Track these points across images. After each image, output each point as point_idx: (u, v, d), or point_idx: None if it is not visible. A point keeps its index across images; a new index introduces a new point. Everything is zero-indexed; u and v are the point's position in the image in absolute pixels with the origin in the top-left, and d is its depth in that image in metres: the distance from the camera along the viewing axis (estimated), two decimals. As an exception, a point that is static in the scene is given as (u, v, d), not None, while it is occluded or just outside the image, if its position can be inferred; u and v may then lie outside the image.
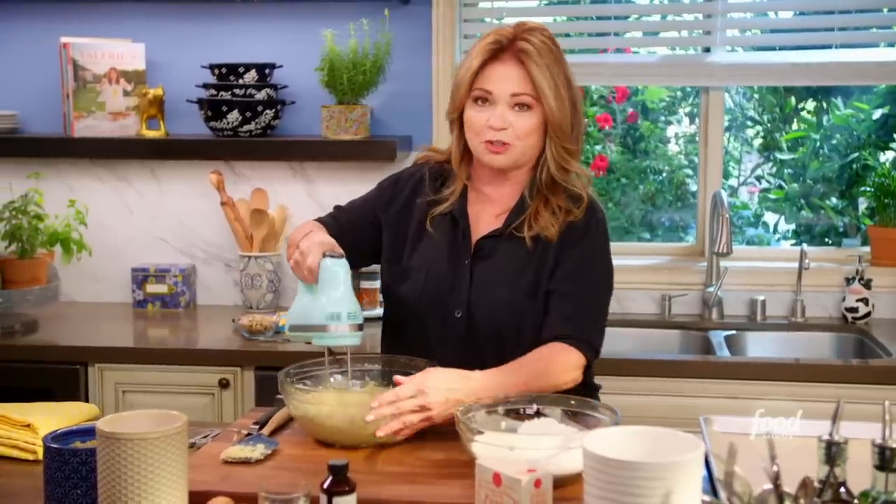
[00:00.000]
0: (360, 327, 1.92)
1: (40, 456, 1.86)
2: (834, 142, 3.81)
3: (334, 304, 1.90)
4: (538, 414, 1.79)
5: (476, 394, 1.84)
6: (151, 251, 3.58)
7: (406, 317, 2.07)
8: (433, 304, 2.07)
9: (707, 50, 3.48)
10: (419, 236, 2.14)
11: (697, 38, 3.54)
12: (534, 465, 1.51)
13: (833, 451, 1.21)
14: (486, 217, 2.12)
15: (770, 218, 4.08)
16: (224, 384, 2.94)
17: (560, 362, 1.97)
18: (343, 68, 3.23)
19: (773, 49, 3.51)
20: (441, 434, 1.88)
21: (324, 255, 1.92)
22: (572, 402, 1.79)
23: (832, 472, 1.15)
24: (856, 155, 3.68)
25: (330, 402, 1.86)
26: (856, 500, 1.21)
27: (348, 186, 3.46)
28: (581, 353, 2.01)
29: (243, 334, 3.08)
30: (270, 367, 2.95)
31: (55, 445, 1.62)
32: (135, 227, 3.58)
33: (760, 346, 3.27)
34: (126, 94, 3.45)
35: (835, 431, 1.22)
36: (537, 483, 1.45)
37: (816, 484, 1.19)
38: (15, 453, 1.89)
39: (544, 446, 1.60)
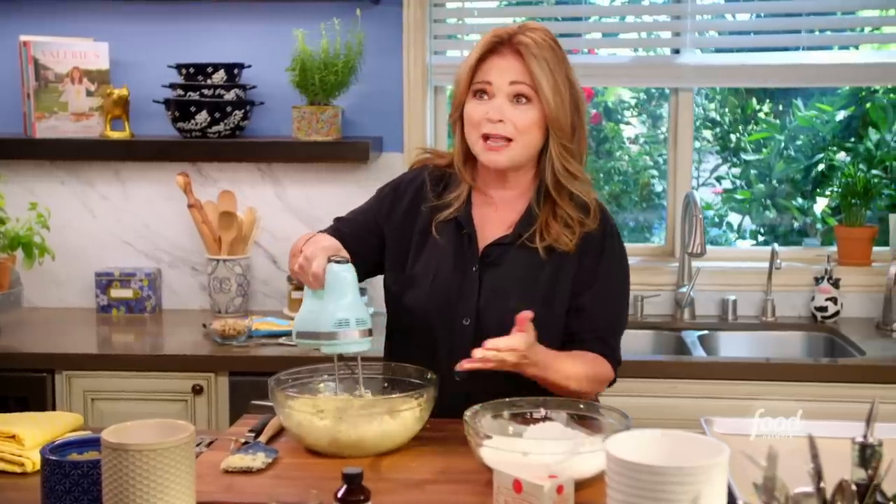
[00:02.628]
0: (370, 332, 1.88)
1: (28, 468, 1.80)
2: (799, 142, 3.86)
3: (342, 310, 1.86)
4: (545, 418, 1.77)
5: (546, 365, 1.91)
6: (115, 255, 3.50)
7: (412, 325, 2.03)
8: (441, 312, 2.03)
9: (676, 51, 3.49)
10: (423, 243, 2.09)
11: (666, 39, 3.55)
12: (549, 469, 1.49)
13: (868, 454, 1.21)
14: (492, 223, 2.08)
15: (733, 218, 4.12)
16: (197, 390, 2.88)
17: (595, 372, 2.02)
18: (315, 68, 3.18)
19: (742, 51, 3.53)
20: (440, 440, 1.87)
21: (329, 260, 1.87)
22: (581, 406, 1.78)
23: (875, 475, 1.14)
24: (821, 156, 3.72)
25: (325, 411, 1.83)
26: (891, 502, 1.21)
27: (317, 188, 3.44)
28: (613, 371, 2.07)
29: (215, 339, 3.02)
30: (245, 372, 2.91)
31: (54, 457, 1.56)
32: (98, 230, 3.50)
33: (733, 345, 3.29)
34: (89, 94, 3.36)
35: (869, 433, 1.21)
36: (559, 489, 1.43)
37: (853, 487, 1.18)
38: (1, 466, 1.82)
39: (559, 451, 1.58)
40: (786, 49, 3.47)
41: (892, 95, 3.68)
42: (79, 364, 2.93)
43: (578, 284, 2.05)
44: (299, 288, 3.29)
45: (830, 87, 3.68)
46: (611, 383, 2.10)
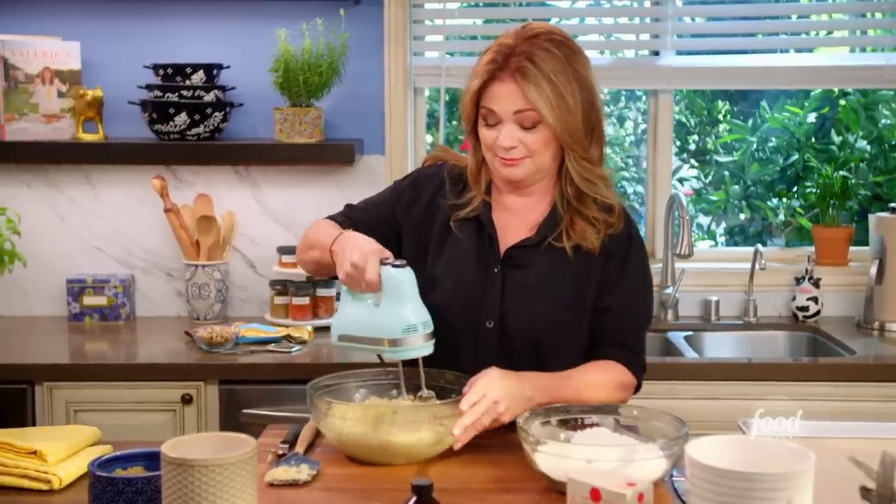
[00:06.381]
0: (433, 335, 1.85)
1: (55, 485, 1.72)
2: (771, 144, 3.89)
3: (408, 315, 1.81)
4: (594, 424, 1.74)
5: (534, 393, 1.83)
6: (84, 261, 3.38)
7: (434, 326, 1.99)
8: (463, 314, 1.98)
9: (656, 53, 3.49)
10: (443, 241, 2.04)
11: (645, 41, 3.56)
12: (620, 477, 1.47)
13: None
14: (513, 226, 2.04)
15: (703, 220, 4.16)
16: (187, 399, 2.80)
17: (616, 381, 1.97)
18: (298, 69, 3.11)
19: (722, 53, 3.55)
20: (481, 448, 1.82)
21: (383, 263, 1.81)
22: (635, 413, 1.75)
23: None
24: (795, 157, 3.76)
25: (366, 418, 1.78)
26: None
27: (297, 191, 3.37)
28: (635, 377, 2.02)
29: (202, 347, 2.93)
30: (234, 380, 2.84)
31: (104, 474, 1.49)
32: (67, 236, 3.37)
33: (720, 346, 3.30)
34: (61, 95, 3.25)
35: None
36: (640, 497, 1.41)
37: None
38: (26, 483, 1.72)
39: (622, 458, 1.55)
40: (767, 52, 3.51)
41: (860, 98, 3.73)
42: (60, 375, 2.81)
43: (603, 287, 2.01)
44: (283, 293, 3.23)
45: (812, 88, 3.74)
46: (636, 389, 2.06)
